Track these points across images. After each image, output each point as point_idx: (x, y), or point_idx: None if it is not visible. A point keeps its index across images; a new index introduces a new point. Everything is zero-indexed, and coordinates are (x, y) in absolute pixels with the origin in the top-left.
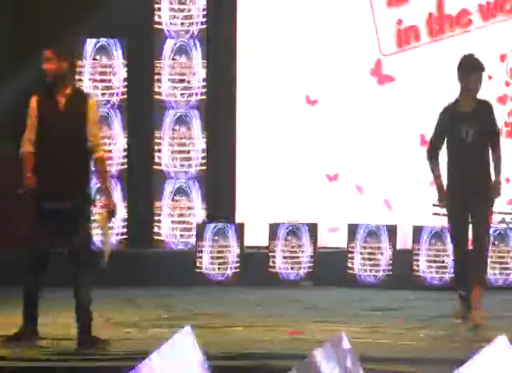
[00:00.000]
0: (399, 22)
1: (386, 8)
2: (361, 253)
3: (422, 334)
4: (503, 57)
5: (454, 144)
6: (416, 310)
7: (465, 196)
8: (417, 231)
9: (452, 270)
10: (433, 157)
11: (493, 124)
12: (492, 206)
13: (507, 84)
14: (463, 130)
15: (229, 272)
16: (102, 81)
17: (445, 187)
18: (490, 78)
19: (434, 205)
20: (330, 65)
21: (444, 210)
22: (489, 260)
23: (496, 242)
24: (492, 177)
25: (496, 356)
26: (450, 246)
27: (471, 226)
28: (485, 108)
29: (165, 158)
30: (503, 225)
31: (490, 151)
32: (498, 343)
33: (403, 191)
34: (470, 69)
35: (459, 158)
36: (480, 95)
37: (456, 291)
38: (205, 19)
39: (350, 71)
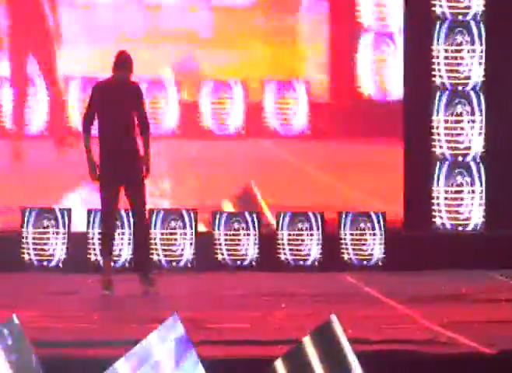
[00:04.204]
0: None
1: None
2: (33, 238)
3: (97, 316)
4: None
5: (104, 119)
6: (94, 293)
7: (115, 172)
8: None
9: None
10: (85, 130)
11: (140, 101)
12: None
13: None
14: (111, 104)
15: None
16: None
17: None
18: None
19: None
20: None
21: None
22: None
23: None
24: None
25: (168, 334)
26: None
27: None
28: (132, 85)
29: None
30: None
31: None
32: (170, 322)
33: None
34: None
35: (107, 131)
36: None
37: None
38: None
39: None
